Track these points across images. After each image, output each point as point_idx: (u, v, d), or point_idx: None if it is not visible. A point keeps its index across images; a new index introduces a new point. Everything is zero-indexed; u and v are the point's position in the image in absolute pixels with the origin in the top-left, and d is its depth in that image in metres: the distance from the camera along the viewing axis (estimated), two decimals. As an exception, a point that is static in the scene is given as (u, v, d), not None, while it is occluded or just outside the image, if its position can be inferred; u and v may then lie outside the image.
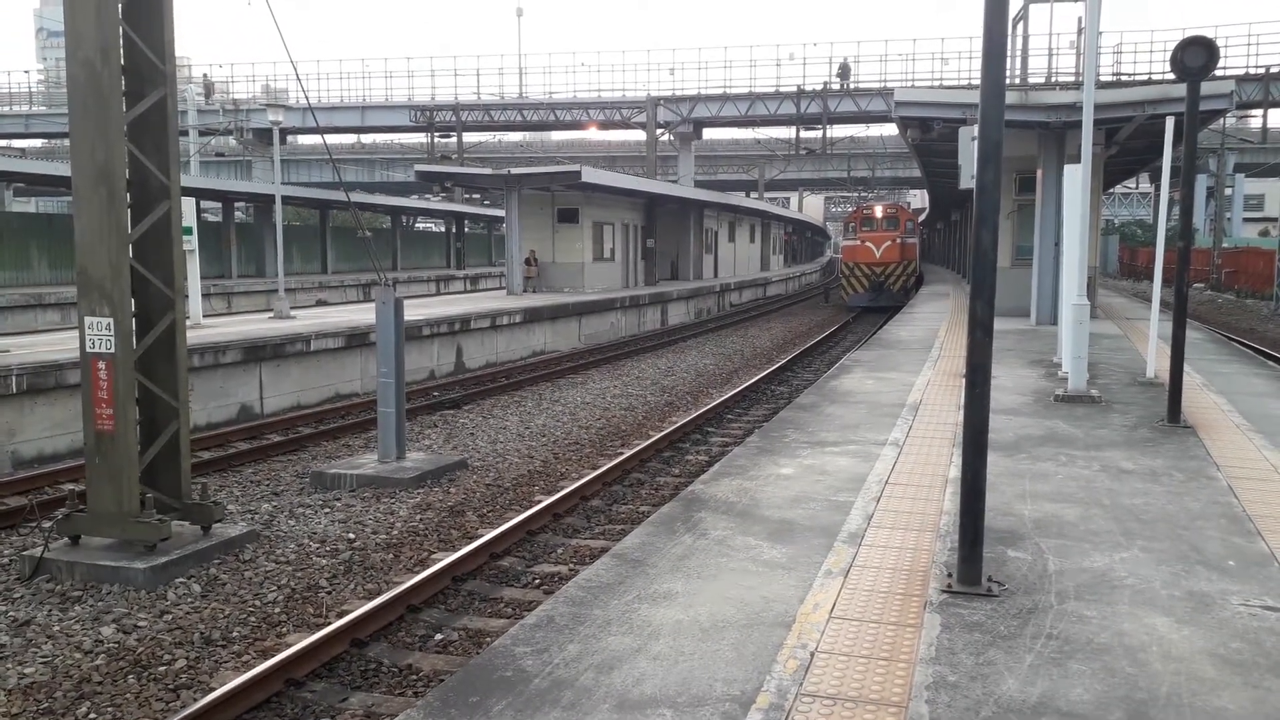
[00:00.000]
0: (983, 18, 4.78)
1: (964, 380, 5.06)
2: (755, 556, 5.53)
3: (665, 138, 41.94)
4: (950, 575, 5.08)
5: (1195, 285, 42.85)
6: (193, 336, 10.47)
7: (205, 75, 46.52)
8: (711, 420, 13.50)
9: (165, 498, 7.79)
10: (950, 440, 8.45)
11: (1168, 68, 9.05)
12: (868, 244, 32.24)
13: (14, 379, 10.84)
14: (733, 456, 8.14)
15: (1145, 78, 34.33)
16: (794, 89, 39.27)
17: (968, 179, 12.23)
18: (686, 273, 36.75)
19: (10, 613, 6.69)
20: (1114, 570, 5.22)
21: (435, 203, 50.74)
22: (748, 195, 56.05)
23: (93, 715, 5.33)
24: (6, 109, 48.39)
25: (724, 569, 5.33)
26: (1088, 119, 11.04)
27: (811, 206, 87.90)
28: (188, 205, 14.38)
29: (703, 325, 29.38)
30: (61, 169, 29.58)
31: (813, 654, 4.24)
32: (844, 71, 39.06)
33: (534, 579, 7.37)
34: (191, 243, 16.02)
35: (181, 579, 7.23)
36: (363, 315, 18.15)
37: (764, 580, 5.15)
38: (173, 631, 6.38)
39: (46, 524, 8.09)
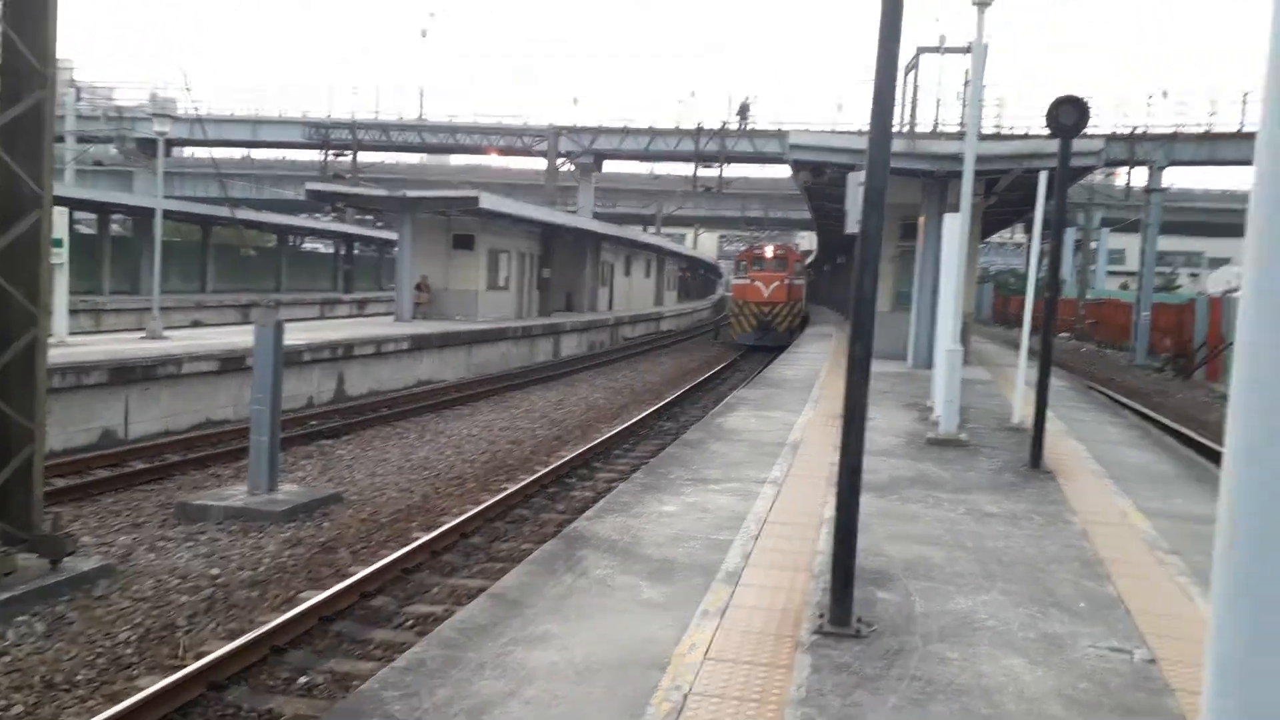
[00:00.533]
0: (874, 74, 4.97)
1: (841, 421, 5.19)
2: (635, 596, 5.53)
3: (566, 168, 42.10)
4: (822, 616, 5.18)
5: (1061, 335, 45.27)
6: (55, 355, 9.86)
7: (73, 80, 44.36)
8: (599, 455, 13.49)
9: (12, 529, 7.28)
10: (827, 479, 8.65)
11: (1045, 124, 9.61)
12: (757, 283, 32.83)
13: None
14: (618, 493, 8.15)
15: (1024, 132, 36.32)
16: (694, 127, 40.03)
17: (853, 224, 12.62)
18: (582, 305, 36.80)
19: None
20: (976, 612, 5.42)
21: (325, 223, 49.51)
22: (645, 229, 56.69)
23: (-88, 769, 4.91)
24: None
25: (603, 609, 5.31)
26: (968, 170, 11.55)
27: (706, 244, 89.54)
28: (59, 216, 13.62)
29: (595, 358, 29.41)
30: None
31: (686, 696, 4.26)
32: (744, 110, 40.02)
33: (407, 620, 7.17)
34: (61, 255, 15.18)
35: (24, 617, 6.75)
36: (241, 337, 17.48)
37: (642, 621, 5.15)
38: (10, 674, 5.94)
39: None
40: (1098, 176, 44.17)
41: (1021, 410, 12.58)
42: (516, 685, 4.31)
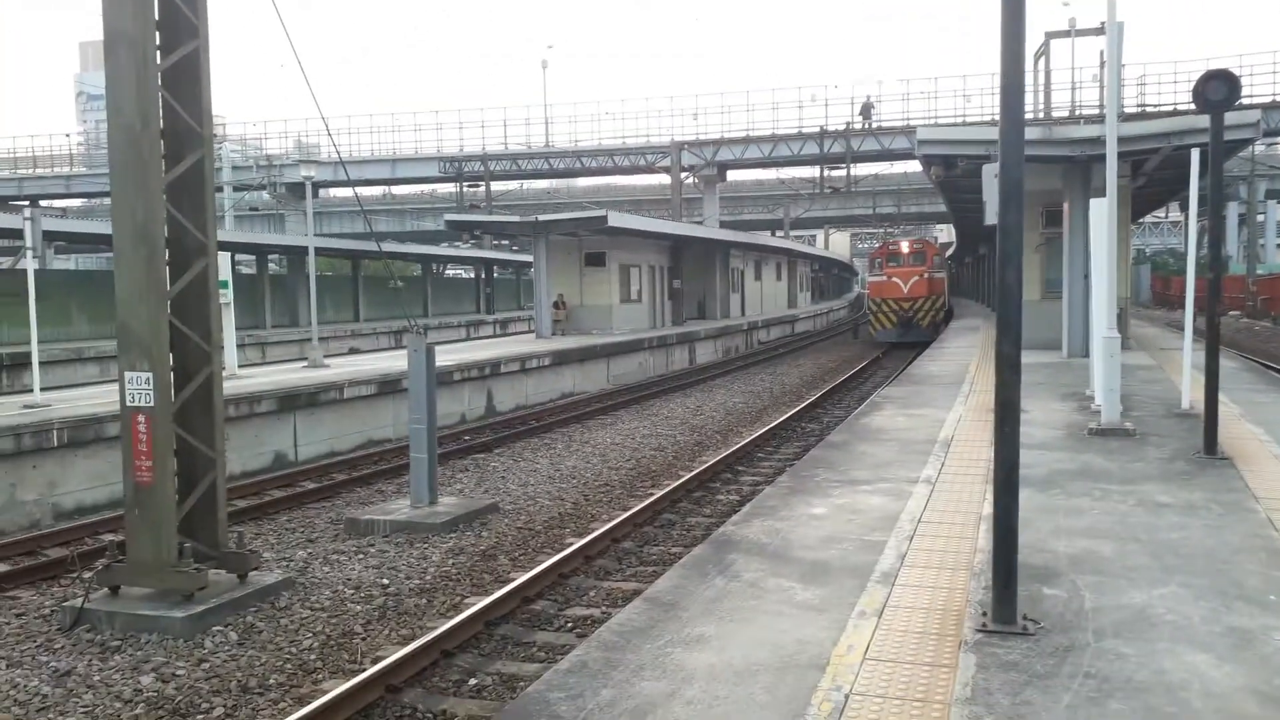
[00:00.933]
0: (1000, 62, 4.84)
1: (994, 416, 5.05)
2: (788, 598, 5.51)
3: (690, 180, 42.33)
4: (985, 614, 5.03)
5: (1231, 313, 42.26)
6: (229, 387, 10.67)
7: (225, 134, 47.74)
8: (742, 459, 13.48)
9: (202, 547, 7.89)
10: (983, 476, 8.38)
11: (1192, 100, 9.09)
12: (894, 279, 32.01)
13: (55, 433, 11.08)
14: (764, 496, 8.13)
15: (1171, 108, 34.20)
16: (817, 129, 39.52)
17: (992, 216, 12.18)
18: (714, 312, 36.85)
19: (52, 663, 6.79)
20: (1152, 607, 5.15)
21: (464, 250, 51.40)
22: (773, 234, 56.26)
23: (133, 765, 5.39)
24: (48, 170, 49.81)
25: (757, 611, 5.31)
26: (1111, 153, 11.04)
27: (838, 243, 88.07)
28: (223, 259, 14.69)
29: (730, 364, 29.38)
30: (101, 227, 30.36)
31: (847, 696, 4.22)
32: (866, 110, 39.29)
33: (567, 622, 7.37)
34: (227, 296, 16.35)
35: (219, 627, 7.31)
36: (394, 362, 18.37)
37: (797, 622, 5.13)
38: (210, 680, 6.44)
39: (86, 575, 8.22)
40: (1259, 147, 41.10)
41: (1190, 395, 11.83)
42: (677, 686, 4.37)
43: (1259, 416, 11.45)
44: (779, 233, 57.72)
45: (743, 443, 14.27)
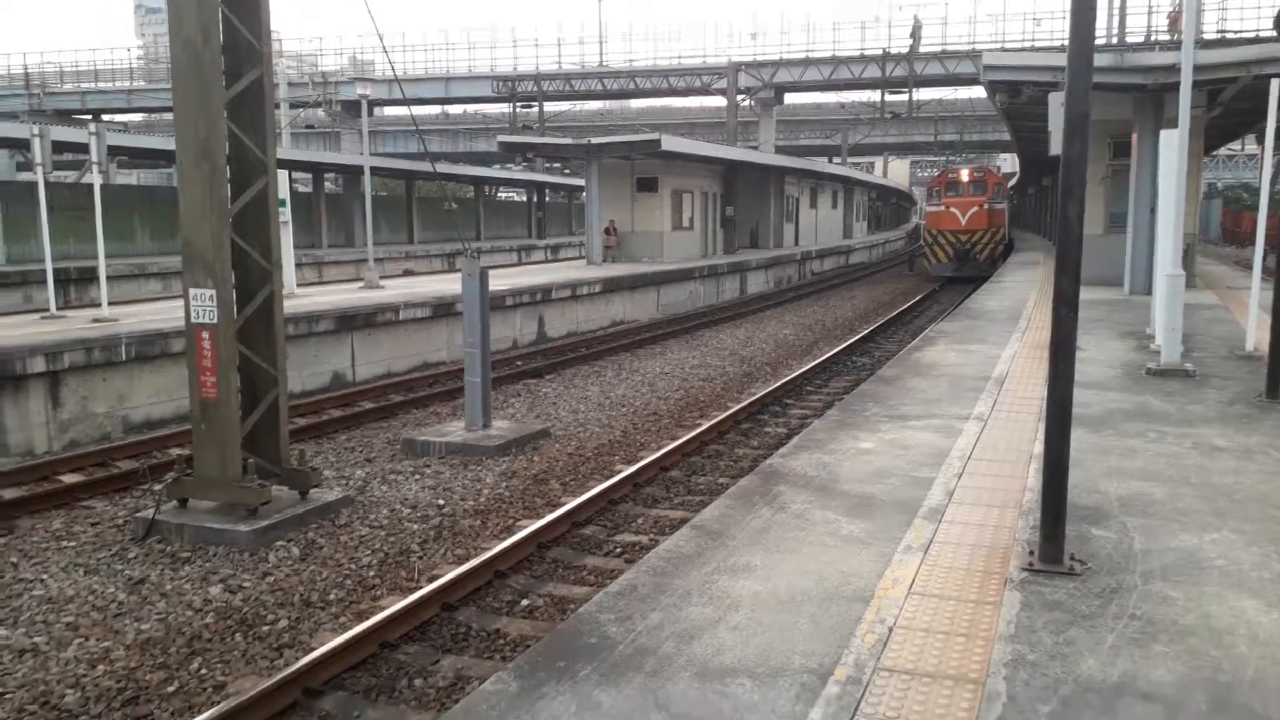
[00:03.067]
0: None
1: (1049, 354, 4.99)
2: (834, 531, 5.58)
3: (746, 103, 41.49)
4: (1032, 553, 5.05)
5: (1305, 251, 40.67)
6: (288, 306, 10.94)
7: (282, 50, 47.69)
8: (791, 392, 13.48)
9: (266, 463, 8.17)
10: (1036, 415, 8.30)
11: (1275, 27, 8.67)
12: (953, 210, 31.00)
13: (123, 347, 11.44)
14: (812, 430, 8.16)
15: (1252, 34, 32.53)
16: (879, 52, 38.43)
17: (1057, 146, 11.83)
18: (766, 241, 36.44)
19: (126, 571, 7.15)
20: (1202, 551, 5.12)
21: (517, 173, 51.28)
22: (830, 160, 55.11)
23: (204, 670, 5.70)
24: (109, 84, 50.38)
25: (802, 543, 5.39)
26: (1186, 81, 10.57)
27: (897, 171, 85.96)
28: (281, 178, 14.87)
29: (782, 295, 29.16)
30: (162, 142, 30.74)
31: (891, 629, 4.29)
32: (915, 32, 37.94)
33: (616, 548, 7.55)
34: (286, 215, 16.56)
35: (282, 542, 7.61)
36: (448, 285, 18.56)
37: (842, 555, 5.20)
38: (274, 593, 6.74)
39: (157, 487, 8.58)
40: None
41: (1255, 336, 11.52)
42: (723, 612, 4.48)
43: (1328, 360, 11.12)
44: (836, 159, 56.52)
45: (792, 375, 14.26)
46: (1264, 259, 11.43)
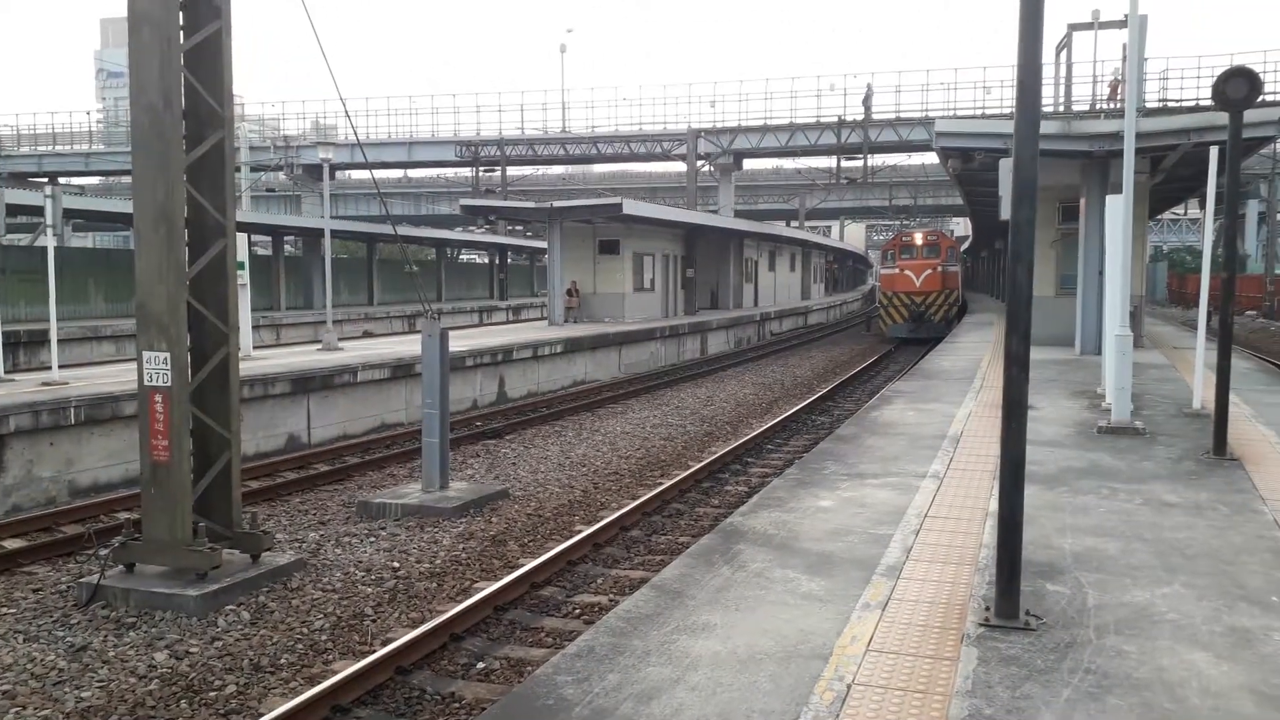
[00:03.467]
0: (1016, 61, 4.87)
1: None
2: (793, 589, 5.58)
3: (706, 169, 42.25)
4: (988, 609, 5.08)
5: (1248, 313, 41.98)
6: (244, 368, 10.80)
7: (244, 114, 47.91)
8: (751, 451, 13.53)
9: (217, 526, 8.00)
10: (991, 473, 8.41)
11: (1212, 98, 9.05)
12: (907, 272, 31.43)
13: (73, 410, 11.22)
14: (772, 488, 8.18)
15: (1192, 104, 33.87)
16: (834, 119, 39.40)
17: (1007, 210, 12.18)
18: (726, 302, 36.85)
19: (68, 638, 6.91)
20: (1154, 605, 5.19)
21: (479, 235, 51.51)
22: (788, 224, 56.11)
23: (147, 738, 5.50)
24: (67, 147, 50.10)
25: (762, 601, 5.38)
26: (1129, 148, 10.98)
27: (853, 235, 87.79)
28: (240, 240, 14.82)
29: (742, 354, 29.40)
30: (120, 205, 30.56)
31: (849, 686, 4.28)
32: (867, 99, 39.02)
33: (574, 609, 7.46)
34: (244, 277, 16.46)
35: (232, 606, 7.42)
36: (408, 346, 18.48)
37: (801, 613, 5.19)
38: (223, 658, 6.55)
39: (103, 552, 8.35)
40: (1281, 145, 40.67)
41: (1201, 394, 11.81)
42: (682, 672, 4.44)
43: (1270, 418, 11.43)
44: (794, 223, 57.58)
45: (752, 434, 14.32)
46: (1208, 320, 11.78)
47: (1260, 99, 10.14)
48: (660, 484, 11.34)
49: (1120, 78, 34.49)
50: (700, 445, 14.41)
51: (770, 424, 15.23)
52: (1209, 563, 5.90)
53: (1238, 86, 8.90)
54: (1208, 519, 6.90)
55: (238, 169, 39.81)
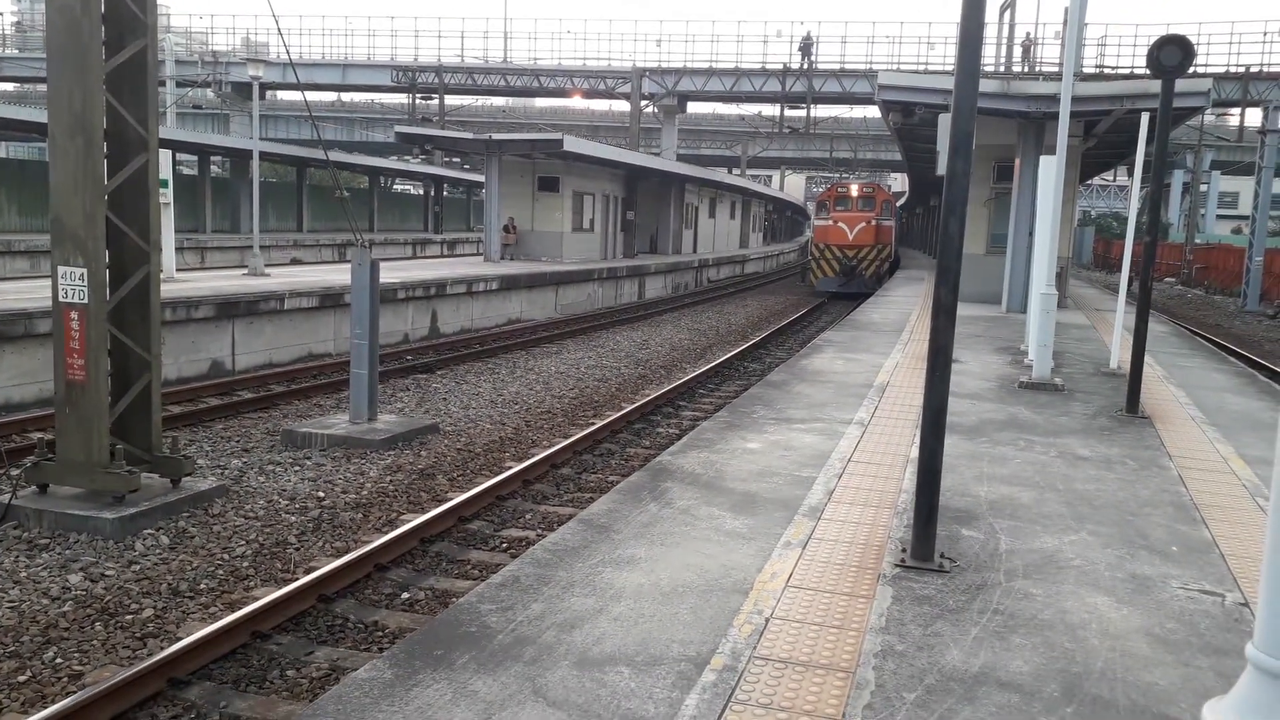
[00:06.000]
0: (960, 10, 4.88)
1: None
2: (718, 526, 5.67)
3: (650, 109, 41.77)
4: (904, 551, 5.24)
5: (1167, 280, 43.43)
6: (166, 290, 10.41)
7: (170, 26, 45.75)
8: (684, 394, 13.63)
9: (135, 450, 7.81)
10: (914, 421, 8.61)
11: (1146, 65, 9.22)
12: (840, 224, 30.40)
13: (-17, 326, 10.75)
14: (701, 430, 8.27)
15: (1127, 71, 34.57)
16: (780, 67, 39.20)
17: (944, 165, 12.34)
18: (666, 247, 36.77)
19: (-24, 558, 6.71)
20: (1062, 552, 5.41)
21: (414, 165, 50.30)
22: (730, 171, 56.01)
23: (59, 660, 5.40)
24: (-23, 51, 47.31)
25: (687, 537, 5.46)
26: (1064, 111, 11.18)
27: (793, 185, 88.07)
28: (164, 158, 14.22)
29: (680, 300, 29.46)
30: (35, 114, 29.02)
31: (768, 620, 4.39)
32: (806, 47, 38.77)
33: (501, 542, 7.48)
34: (167, 196, 15.85)
35: (150, 530, 7.28)
36: (338, 275, 18.08)
37: (725, 549, 5.29)
38: (140, 581, 6.43)
39: (15, 471, 8.10)
40: (1210, 117, 41.77)
41: (1119, 355, 12.23)
42: (605, 603, 4.50)
43: (1181, 379, 11.91)
44: (736, 170, 57.49)
45: (686, 378, 14.42)
46: (1130, 284, 12.15)
47: (1192, 70, 10.38)
48: (593, 424, 11.37)
49: (1032, 39, 35.06)
50: (634, 388, 14.47)
51: (704, 369, 15.35)
52: (1115, 513, 6.16)
53: (1171, 54, 9.07)
54: (1117, 472, 7.19)
55: (162, 83, 38.17)
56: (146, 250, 7.77)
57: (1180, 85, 10.98)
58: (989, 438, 8.16)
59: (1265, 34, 40.18)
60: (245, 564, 6.85)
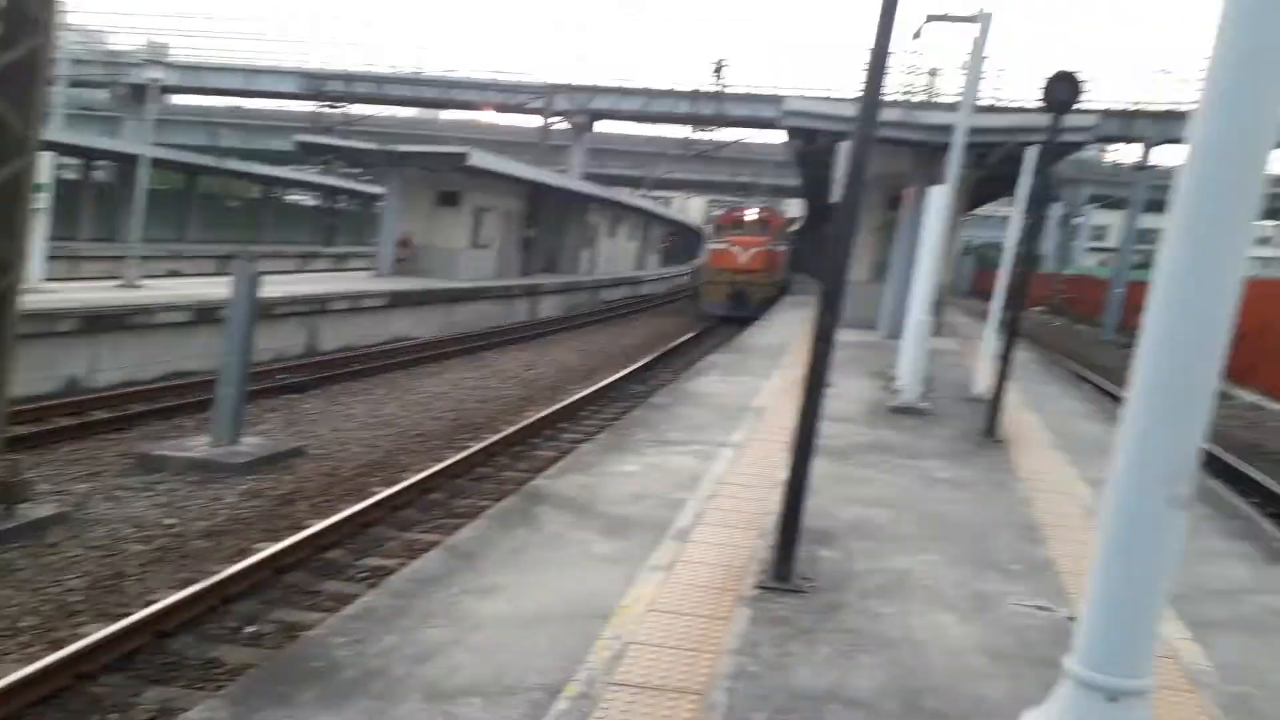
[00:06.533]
0: (871, 49, 4.96)
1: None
2: (587, 550, 5.63)
3: (560, 125, 41.67)
4: (764, 572, 5.28)
5: (1037, 308, 45.56)
6: (29, 301, 9.73)
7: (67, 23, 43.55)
8: (567, 416, 13.54)
9: (-33, 473, 7.27)
10: (786, 443, 8.73)
11: (1040, 98, 9.65)
12: (734, 249, 30.28)
13: None
14: (580, 453, 8.24)
15: (1019, 105, 36.13)
16: (691, 90, 39.62)
17: (839, 193, 12.57)
18: (563, 266, 36.64)
19: None
20: (913, 571, 5.55)
21: (309, 175, 48.93)
22: (633, 191, 56.28)
23: None
24: None
25: (554, 563, 5.40)
26: (958, 142, 11.49)
27: (694, 208, 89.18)
28: (45, 161, 13.43)
29: (572, 320, 29.37)
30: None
31: (626, 645, 4.36)
32: (718, 70, 39.59)
33: (360, 572, 7.21)
34: (43, 201, 14.99)
35: (-27, 562, 6.76)
36: (216, 289, 17.35)
37: (592, 574, 5.25)
38: (-45, 619, 5.96)
39: None
40: (1090, 152, 44.03)
41: (984, 381, 12.70)
42: (463, 633, 4.40)
43: (1040, 405, 12.46)
44: (640, 192, 57.85)
45: (570, 400, 14.34)
46: (1001, 313, 12.66)
47: (1079, 106, 10.86)
48: (469, 447, 11.15)
49: (935, 71, 36.62)
50: (516, 409, 14.29)
51: (589, 390, 15.29)
52: (965, 533, 6.38)
53: (1063, 89, 9.53)
54: (970, 494, 7.46)
55: (53, 83, 36.18)
56: (9, 260, 7.25)
57: (1068, 121, 11.52)
58: (855, 460, 8.35)
59: (1150, 75, 42.61)
60: (77, 598, 6.39)
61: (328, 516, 8.14)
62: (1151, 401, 2.33)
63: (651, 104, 40.49)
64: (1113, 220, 67.18)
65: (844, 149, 13.69)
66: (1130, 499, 2.36)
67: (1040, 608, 5.10)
